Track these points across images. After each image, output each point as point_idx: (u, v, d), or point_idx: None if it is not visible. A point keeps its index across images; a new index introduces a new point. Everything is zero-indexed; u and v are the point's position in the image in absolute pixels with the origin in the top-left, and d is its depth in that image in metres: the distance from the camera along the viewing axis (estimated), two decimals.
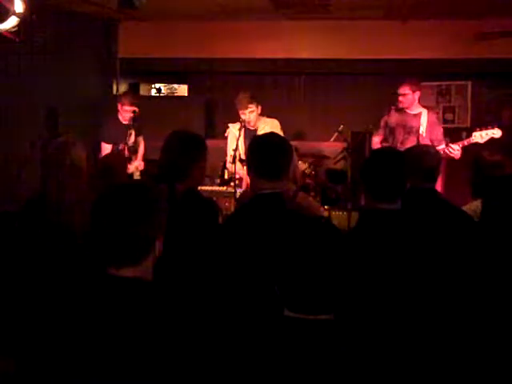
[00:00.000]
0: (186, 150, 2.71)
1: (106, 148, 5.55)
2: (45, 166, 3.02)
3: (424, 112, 5.17)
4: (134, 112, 5.59)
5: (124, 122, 5.65)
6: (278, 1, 6.20)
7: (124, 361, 1.50)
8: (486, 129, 4.74)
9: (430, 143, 4.90)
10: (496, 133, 4.72)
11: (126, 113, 5.60)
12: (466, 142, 4.82)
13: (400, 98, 5.13)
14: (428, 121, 5.11)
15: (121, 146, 5.54)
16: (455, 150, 4.81)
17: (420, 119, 5.12)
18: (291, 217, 2.28)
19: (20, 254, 2.82)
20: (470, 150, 4.73)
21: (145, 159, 5.87)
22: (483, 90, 7.26)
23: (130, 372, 1.49)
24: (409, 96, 5.10)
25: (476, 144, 4.74)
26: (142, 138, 5.89)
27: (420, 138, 5.07)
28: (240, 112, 4.87)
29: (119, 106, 5.65)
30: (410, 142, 5.03)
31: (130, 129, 5.65)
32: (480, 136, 4.73)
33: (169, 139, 2.78)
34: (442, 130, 5.16)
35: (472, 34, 6.74)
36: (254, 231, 2.39)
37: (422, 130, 5.07)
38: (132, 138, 5.67)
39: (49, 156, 3.01)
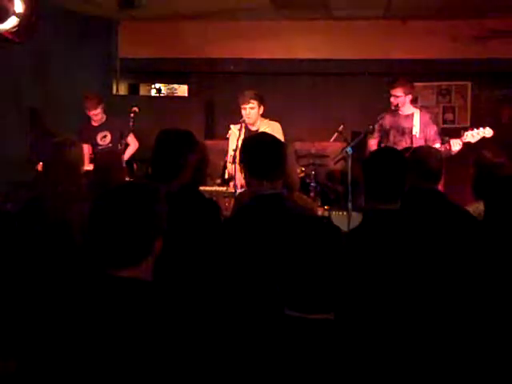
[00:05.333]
0: (175, 147, 2.72)
1: (85, 148, 5.64)
2: (41, 166, 3.03)
3: (416, 112, 5.19)
4: (134, 112, 5.67)
5: (94, 124, 5.86)
6: (278, 1, 6.21)
7: (124, 361, 1.50)
8: (478, 128, 4.79)
9: (423, 143, 4.91)
10: (487, 132, 4.75)
11: (93, 116, 5.81)
12: (459, 141, 4.86)
13: (391, 99, 5.17)
14: (421, 121, 5.12)
15: (88, 147, 5.72)
16: (456, 144, 4.82)
17: (412, 120, 5.14)
18: (292, 217, 2.28)
19: (19, 255, 2.82)
20: (469, 150, 4.74)
21: (133, 159, 6.02)
22: (483, 90, 7.26)
23: (129, 372, 1.49)
24: (401, 98, 5.14)
25: (469, 144, 4.78)
26: (132, 139, 5.95)
27: (414, 139, 5.08)
28: (242, 107, 4.87)
29: (88, 112, 5.83)
30: (403, 143, 5.05)
31: (103, 131, 5.85)
32: (471, 135, 4.77)
33: (158, 138, 2.79)
34: (435, 129, 5.15)
35: (472, 34, 6.75)
36: (256, 231, 2.40)
37: (416, 130, 5.09)
38: (107, 140, 5.83)
39: (45, 156, 3.03)
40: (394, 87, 5.14)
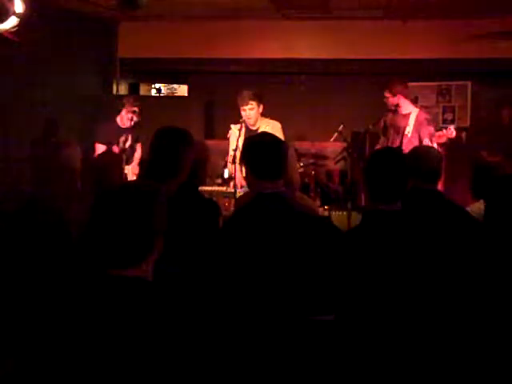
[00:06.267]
0: (171, 146, 2.72)
1: (100, 148, 5.64)
2: (38, 167, 3.04)
3: (414, 112, 5.17)
4: (134, 112, 5.67)
5: (120, 125, 5.81)
6: (278, 1, 6.21)
7: (124, 361, 1.50)
8: (446, 130, 4.88)
9: (417, 143, 4.90)
10: (449, 133, 4.83)
11: (127, 114, 5.73)
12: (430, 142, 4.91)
13: (384, 100, 5.25)
14: (416, 121, 5.09)
15: (114, 148, 5.66)
16: (443, 134, 4.87)
17: (408, 119, 5.14)
18: (294, 217, 2.28)
19: (17, 255, 2.81)
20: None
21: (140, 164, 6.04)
22: (483, 90, 7.26)
23: (130, 372, 1.49)
24: (389, 99, 5.19)
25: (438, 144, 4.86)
26: (139, 145, 6.04)
27: (404, 138, 5.06)
28: (241, 108, 4.88)
29: (123, 111, 5.77)
30: (397, 143, 5.05)
31: (127, 134, 5.81)
32: (438, 136, 4.86)
33: (154, 137, 2.79)
34: (431, 130, 5.07)
35: (472, 33, 6.74)
36: (256, 231, 2.39)
37: (408, 130, 5.08)
38: (128, 143, 5.81)
39: (42, 157, 3.04)
40: (384, 88, 5.21)
